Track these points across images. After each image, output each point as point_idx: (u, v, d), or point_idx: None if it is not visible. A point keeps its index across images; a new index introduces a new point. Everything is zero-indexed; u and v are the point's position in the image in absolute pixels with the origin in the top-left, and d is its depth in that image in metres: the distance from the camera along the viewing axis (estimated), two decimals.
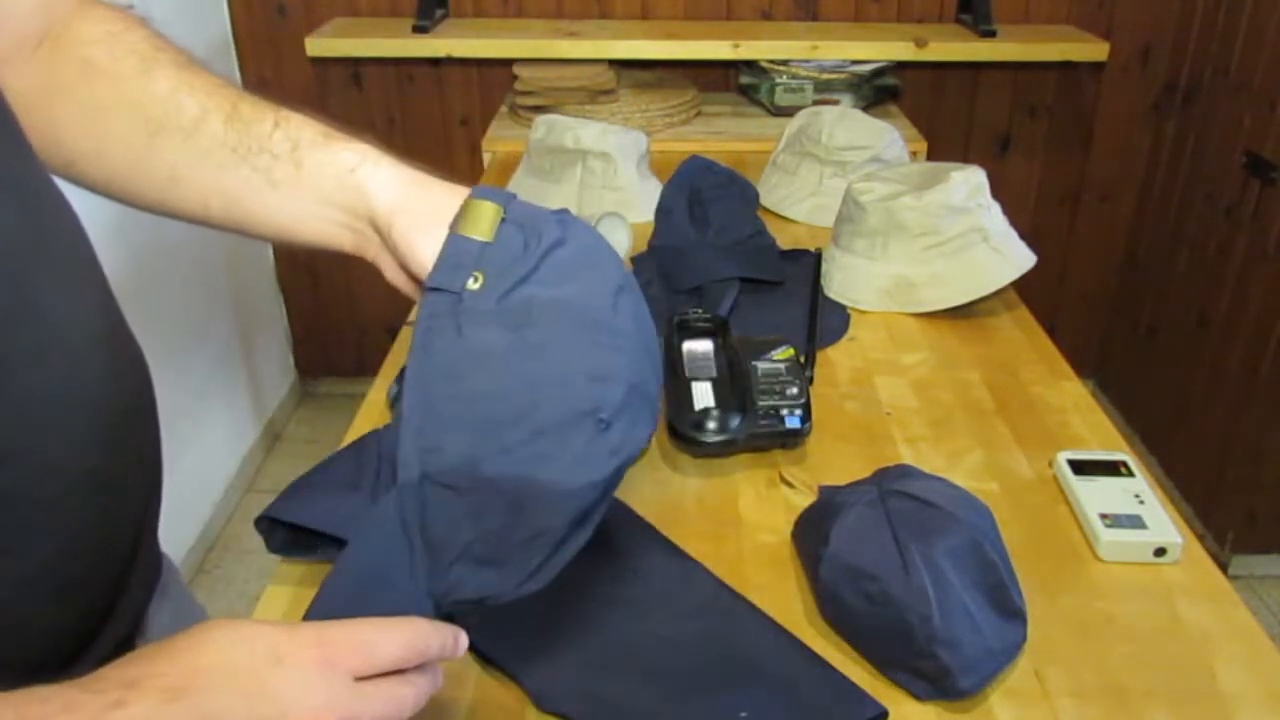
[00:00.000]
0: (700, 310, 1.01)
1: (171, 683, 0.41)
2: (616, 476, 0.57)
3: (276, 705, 0.42)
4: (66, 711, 0.40)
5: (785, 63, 2.07)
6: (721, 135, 1.96)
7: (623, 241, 1.29)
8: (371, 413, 0.95)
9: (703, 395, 0.89)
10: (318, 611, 0.54)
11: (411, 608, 0.54)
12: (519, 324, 0.55)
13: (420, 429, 0.55)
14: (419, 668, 0.48)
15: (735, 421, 0.88)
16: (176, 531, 2.03)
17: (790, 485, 0.86)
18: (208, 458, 2.20)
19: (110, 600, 0.58)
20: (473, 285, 0.56)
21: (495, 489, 0.54)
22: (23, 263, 0.51)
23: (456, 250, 0.57)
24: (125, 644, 0.62)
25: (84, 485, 0.53)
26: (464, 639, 0.51)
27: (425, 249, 0.58)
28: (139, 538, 0.60)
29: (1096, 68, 2.29)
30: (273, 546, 0.74)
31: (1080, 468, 0.85)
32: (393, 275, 0.63)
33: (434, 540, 0.55)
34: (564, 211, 0.61)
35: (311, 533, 0.72)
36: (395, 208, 0.59)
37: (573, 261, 0.58)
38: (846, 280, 1.18)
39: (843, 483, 0.77)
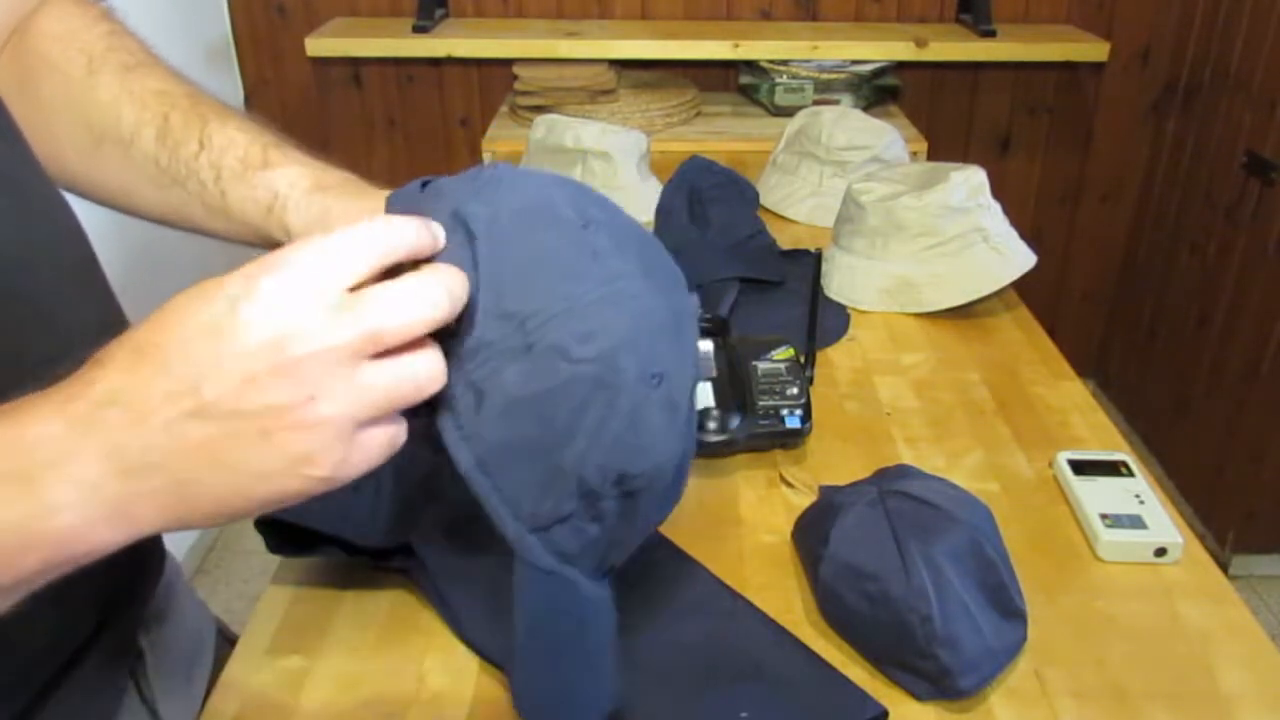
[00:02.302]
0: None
1: (136, 344, 0.39)
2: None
3: (239, 341, 0.38)
4: (44, 402, 0.39)
5: (785, 63, 2.07)
6: (721, 135, 1.96)
7: None
8: None
9: (703, 395, 0.89)
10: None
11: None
12: (521, 345, 0.47)
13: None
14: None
15: (735, 421, 0.88)
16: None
17: (790, 485, 0.86)
18: None
19: (112, 598, 0.58)
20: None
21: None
22: (30, 267, 0.51)
23: None
24: (129, 643, 0.62)
25: None
26: (438, 228, 0.45)
27: None
28: None
29: (1096, 68, 2.30)
30: (272, 546, 0.74)
31: (1080, 468, 0.85)
32: None
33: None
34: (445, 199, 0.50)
35: (311, 532, 0.72)
36: None
37: (501, 230, 0.48)
38: (846, 280, 1.18)
39: (843, 483, 0.77)
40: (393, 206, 0.53)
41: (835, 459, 0.90)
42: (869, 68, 2.08)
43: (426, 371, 0.42)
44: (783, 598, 0.74)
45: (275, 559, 0.75)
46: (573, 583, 0.50)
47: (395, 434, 0.42)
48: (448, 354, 0.46)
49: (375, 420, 0.41)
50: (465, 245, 0.47)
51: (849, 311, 1.16)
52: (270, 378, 0.38)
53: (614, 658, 0.54)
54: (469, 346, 0.46)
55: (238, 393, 0.38)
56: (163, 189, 0.59)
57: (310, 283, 0.39)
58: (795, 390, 0.90)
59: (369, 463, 0.42)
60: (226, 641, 0.78)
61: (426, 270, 0.42)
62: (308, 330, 0.38)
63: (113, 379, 0.39)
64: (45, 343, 0.51)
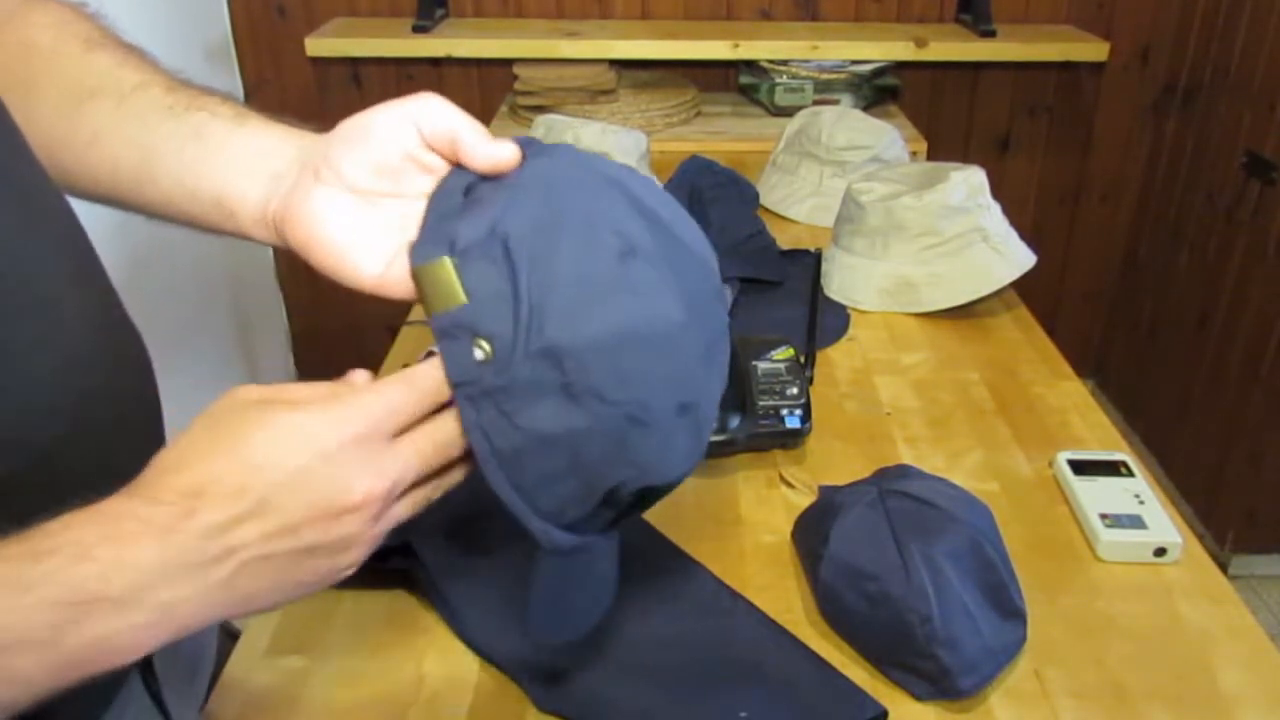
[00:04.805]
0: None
1: (236, 482, 0.44)
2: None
3: (329, 494, 0.45)
4: (142, 528, 0.42)
5: (785, 63, 2.07)
6: (721, 135, 1.96)
7: None
8: None
9: None
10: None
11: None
12: (557, 383, 0.49)
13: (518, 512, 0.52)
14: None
15: (735, 421, 0.88)
16: None
17: (790, 485, 0.86)
18: None
19: None
20: (481, 357, 0.49)
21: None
22: (20, 252, 0.51)
23: (442, 330, 0.50)
24: None
25: (89, 474, 0.53)
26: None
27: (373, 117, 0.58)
28: None
29: (1096, 68, 2.29)
30: None
31: (1080, 468, 0.85)
32: (298, 206, 0.55)
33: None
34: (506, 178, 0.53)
35: None
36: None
37: (539, 254, 0.49)
38: (846, 280, 1.18)
39: (843, 483, 0.77)
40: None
41: (835, 459, 0.90)
42: (869, 68, 2.08)
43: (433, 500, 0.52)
44: (783, 598, 0.74)
45: None
46: (587, 545, 0.54)
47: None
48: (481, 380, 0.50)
49: None
50: (505, 274, 0.49)
51: (849, 311, 1.16)
52: (347, 516, 0.46)
53: (613, 576, 0.58)
54: (502, 383, 0.49)
55: (323, 530, 0.46)
56: (148, 128, 0.58)
57: (373, 437, 0.47)
58: (795, 390, 0.90)
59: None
60: (228, 636, 0.78)
61: (431, 431, 0.50)
62: (371, 477, 0.47)
63: (212, 516, 0.43)
64: (40, 326, 0.51)
